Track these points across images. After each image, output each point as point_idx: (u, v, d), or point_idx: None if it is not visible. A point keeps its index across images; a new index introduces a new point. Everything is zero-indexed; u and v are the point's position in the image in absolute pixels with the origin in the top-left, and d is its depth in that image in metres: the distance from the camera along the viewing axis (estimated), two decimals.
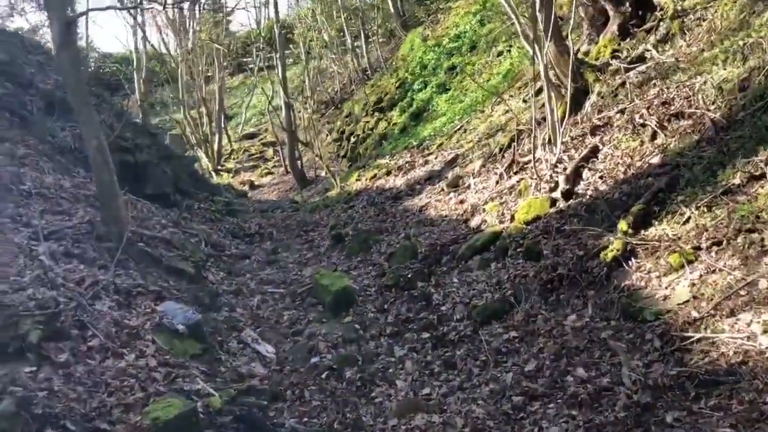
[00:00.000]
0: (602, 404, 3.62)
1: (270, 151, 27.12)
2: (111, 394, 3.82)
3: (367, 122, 20.10)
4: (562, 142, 7.52)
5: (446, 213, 8.39)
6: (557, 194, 6.60)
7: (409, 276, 6.77)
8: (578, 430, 3.45)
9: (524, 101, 11.18)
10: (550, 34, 8.16)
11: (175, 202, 11.69)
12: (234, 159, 27.97)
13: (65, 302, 4.61)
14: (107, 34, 75.06)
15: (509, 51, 15.40)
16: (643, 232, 5.13)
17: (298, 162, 20.26)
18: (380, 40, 25.35)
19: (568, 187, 6.52)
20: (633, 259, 4.91)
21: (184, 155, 14.05)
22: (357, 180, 13.84)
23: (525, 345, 4.66)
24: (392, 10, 24.06)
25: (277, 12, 20.43)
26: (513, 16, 8.91)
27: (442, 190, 9.31)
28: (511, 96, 12.16)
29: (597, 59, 9.40)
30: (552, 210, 6.46)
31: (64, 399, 3.54)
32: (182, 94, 26.76)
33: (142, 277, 6.09)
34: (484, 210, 7.57)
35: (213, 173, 25.33)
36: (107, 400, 3.72)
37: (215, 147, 26.59)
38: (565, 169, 6.99)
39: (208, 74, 29.53)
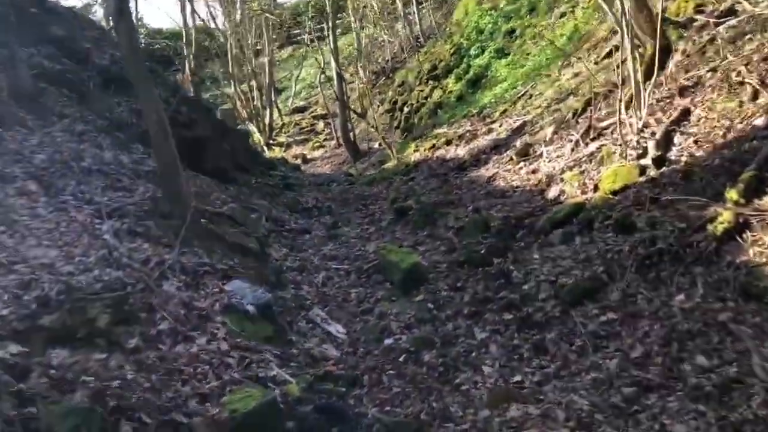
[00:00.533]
0: (734, 398, 3.17)
1: (320, 124, 26.87)
2: (185, 382, 3.59)
3: (421, 91, 19.52)
4: (647, 105, 6.90)
5: (518, 184, 7.90)
6: (647, 161, 6.03)
7: (483, 252, 6.35)
8: (711, 429, 3.01)
9: (595, 63, 10.47)
10: None
11: (233, 177, 11.52)
12: (285, 133, 27.85)
13: (132, 284, 4.40)
14: (156, 10, 75.75)
15: (572, 12, 14.55)
16: (756, 201, 4.57)
17: (351, 134, 19.93)
18: (432, 5, 24.56)
19: (659, 153, 5.94)
20: (747, 231, 4.37)
21: (239, 129, 13.82)
22: (415, 151, 13.40)
23: (626, 328, 4.21)
24: None
25: None
26: None
27: (511, 159, 8.80)
28: (579, 58, 11.43)
29: (678, 15, 8.65)
30: (642, 179, 5.90)
31: (138, 389, 3.31)
32: (232, 68, 26.67)
33: (207, 255, 5.87)
34: (561, 180, 7.05)
35: (265, 147, 25.29)
36: (182, 390, 3.49)
37: (266, 121, 26.48)
38: (653, 134, 6.40)
39: (258, 47, 29.38)
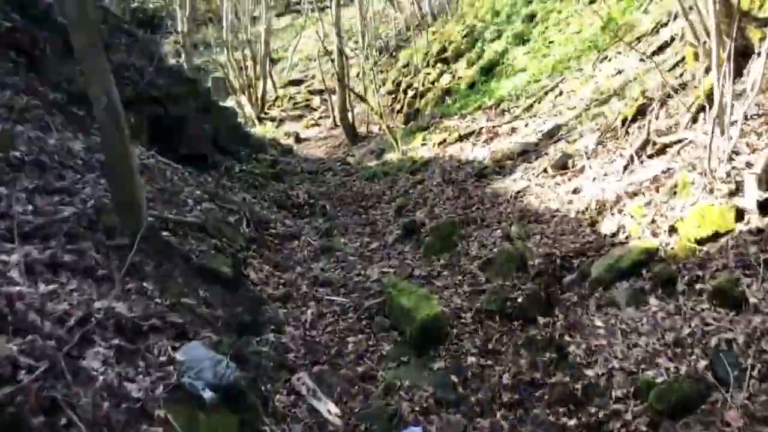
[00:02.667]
0: None
1: (317, 100, 25.23)
2: None
3: (428, 74, 17.94)
4: (731, 123, 5.44)
5: (557, 206, 6.46)
6: (746, 202, 4.60)
7: (520, 301, 4.93)
8: None
9: (641, 60, 8.99)
10: None
11: (214, 163, 10.00)
12: (278, 107, 26.20)
13: (30, 365, 2.94)
14: None
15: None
16: None
17: (350, 115, 18.38)
18: None
19: (766, 194, 4.51)
20: None
21: (226, 106, 12.26)
22: (422, 144, 11.90)
23: None
24: None
25: None
26: None
27: (545, 171, 7.35)
28: (619, 53, 9.95)
29: (761, 9, 7.18)
30: (741, 226, 4.49)
31: None
32: (226, 34, 24.92)
33: (160, 293, 4.40)
34: (620, 211, 5.60)
35: (256, 121, 23.69)
36: None
37: (259, 93, 24.83)
38: (749, 164, 4.96)
39: (255, 14, 27.55)
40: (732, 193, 4.78)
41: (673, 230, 4.89)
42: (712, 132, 5.06)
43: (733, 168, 4.98)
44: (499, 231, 6.39)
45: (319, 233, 8.36)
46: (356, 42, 22.00)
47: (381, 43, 24.10)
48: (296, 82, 28.59)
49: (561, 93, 9.97)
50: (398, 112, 18.83)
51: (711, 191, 4.95)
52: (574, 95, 9.48)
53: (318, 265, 6.88)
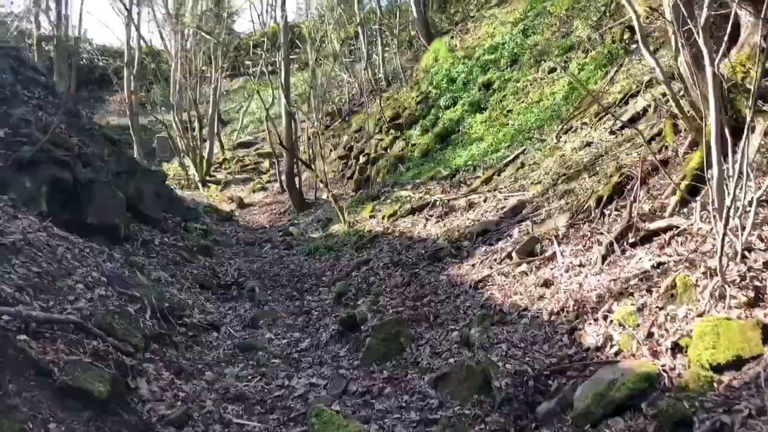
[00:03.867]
0: None
1: (266, 163, 24.16)
2: None
3: (381, 140, 17.12)
4: (734, 209, 4.49)
5: (525, 303, 5.34)
6: None
7: None
8: None
9: (611, 132, 8.21)
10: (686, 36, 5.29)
11: (127, 235, 8.63)
12: (225, 169, 25.04)
13: None
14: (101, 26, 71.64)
15: (565, 67, 12.45)
16: None
17: (297, 180, 17.29)
18: (399, 48, 22.42)
19: None
20: None
21: (151, 170, 10.98)
22: (371, 216, 10.81)
23: None
24: (415, 15, 21.05)
25: (284, 6, 17.43)
26: (629, 8, 6.00)
27: (509, 257, 6.28)
28: (584, 124, 9.20)
29: (744, 80, 6.47)
30: None
31: None
32: (173, 94, 23.92)
33: None
34: (606, 317, 4.51)
35: (200, 184, 22.41)
36: None
37: (205, 155, 23.65)
38: None
39: (207, 75, 26.69)
40: (751, 303, 3.76)
41: (678, 349, 3.80)
42: (718, 221, 4.08)
43: (749, 269, 3.98)
44: (456, 333, 5.21)
45: (243, 323, 7.06)
46: (308, 105, 21.21)
47: (334, 107, 23.39)
48: (246, 144, 27.59)
49: (523, 165, 9.09)
50: (349, 178, 17.85)
51: (722, 298, 3.92)
52: (537, 168, 8.60)
53: (233, 371, 5.55)
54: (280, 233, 12.97)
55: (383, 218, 10.01)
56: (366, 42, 22.54)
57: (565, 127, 9.48)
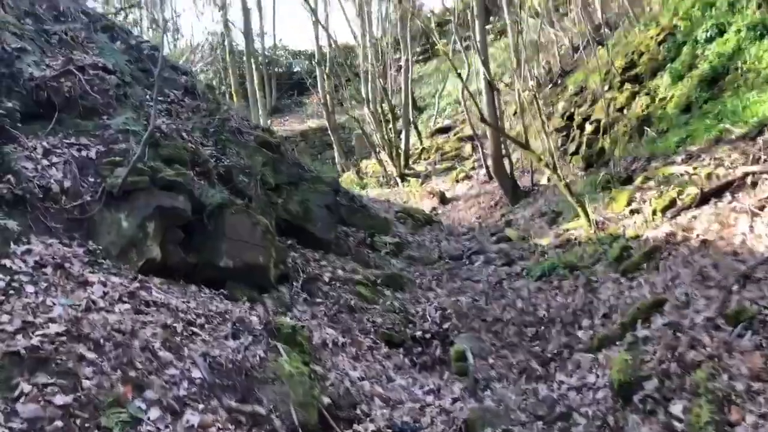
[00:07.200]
0: None
1: (468, 147, 21.12)
2: None
3: (613, 99, 13.05)
4: None
5: None
6: None
7: None
8: None
9: None
10: None
11: (284, 274, 6.13)
12: (425, 159, 22.53)
13: None
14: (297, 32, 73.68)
15: None
16: None
17: (507, 163, 14.07)
18: None
19: None
20: None
21: (321, 177, 8.50)
22: (630, 210, 7.19)
23: None
24: None
25: None
26: None
27: None
28: None
29: None
30: None
31: None
32: (365, 86, 22.23)
33: None
34: None
35: (399, 180, 20.19)
36: None
37: (402, 146, 21.44)
38: None
39: (399, 64, 24.58)
40: None
41: None
42: None
43: None
44: None
45: (451, 419, 4.10)
46: (510, 77, 17.77)
47: (543, 71, 19.57)
48: (444, 130, 24.82)
49: None
50: (573, 154, 14.07)
51: None
52: None
53: None
54: (494, 237, 9.88)
55: (653, 213, 6.37)
56: None
57: None
